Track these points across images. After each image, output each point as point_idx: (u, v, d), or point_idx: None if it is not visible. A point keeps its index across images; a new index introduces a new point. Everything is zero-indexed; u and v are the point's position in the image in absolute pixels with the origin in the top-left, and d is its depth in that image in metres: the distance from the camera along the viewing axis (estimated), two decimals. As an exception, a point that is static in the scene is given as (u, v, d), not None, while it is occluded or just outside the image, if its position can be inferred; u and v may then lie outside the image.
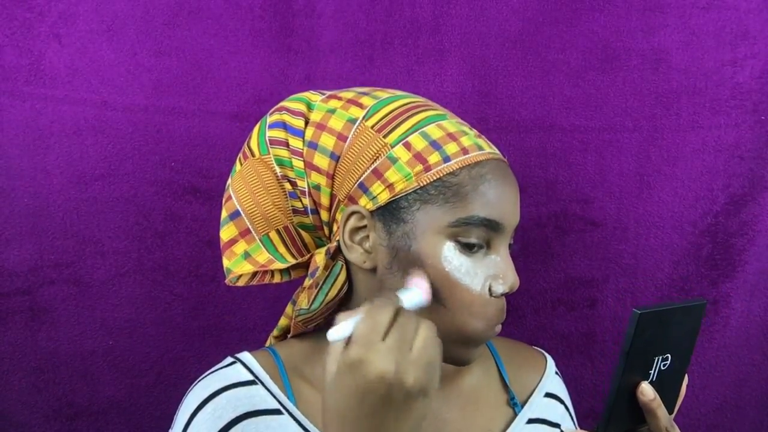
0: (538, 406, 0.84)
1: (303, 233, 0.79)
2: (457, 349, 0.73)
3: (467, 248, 0.71)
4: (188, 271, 1.12)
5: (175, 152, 1.10)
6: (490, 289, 0.73)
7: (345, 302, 0.78)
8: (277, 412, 0.74)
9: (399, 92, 0.79)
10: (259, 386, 0.75)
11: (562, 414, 0.86)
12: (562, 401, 0.87)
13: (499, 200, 0.73)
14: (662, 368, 0.69)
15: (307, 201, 0.76)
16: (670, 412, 0.70)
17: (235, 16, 1.09)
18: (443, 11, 1.11)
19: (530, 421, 0.82)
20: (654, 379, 0.68)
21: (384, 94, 0.78)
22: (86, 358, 1.10)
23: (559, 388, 0.88)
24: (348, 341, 0.59)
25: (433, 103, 0.80)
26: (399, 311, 0.61)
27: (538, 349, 0.92)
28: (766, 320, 1.17)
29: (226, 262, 0.78)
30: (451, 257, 0.71)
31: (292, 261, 0.78)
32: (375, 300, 0.61)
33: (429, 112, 0.76)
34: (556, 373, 0.90)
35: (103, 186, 1.09)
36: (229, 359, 0.79)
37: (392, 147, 0.72)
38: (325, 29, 1.11)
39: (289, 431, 0.73)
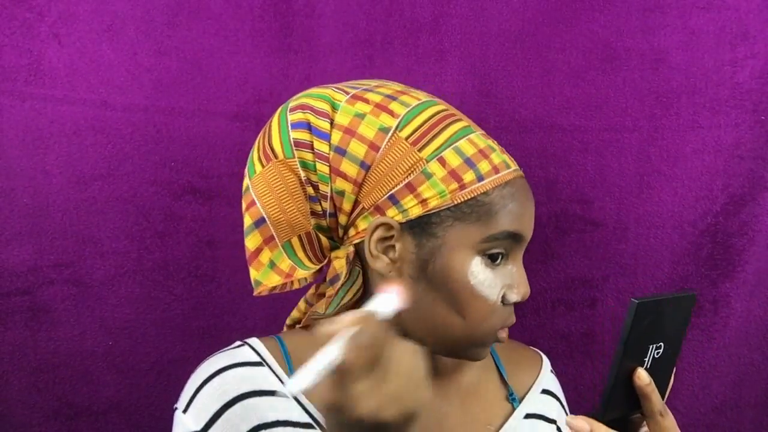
0: (535, 401, 0.87)
1: (321, 236, 0.79)
2: (467, 351, 0.77)
3: (492, 260, 0.74)
4: (188, 272, 1.12)
5: (174, 152, 1.10)
6: (503, 298, 0.75)
7: (359, 303, 0.79)
8: (281, 393, 0.76)
9: (423, 96, 0.79)
10: (265, 368, 0.77)
11: (557, 410, 0.89)
12: (557, 398, 0.90)
13: (523, 214, 0.76)
14: (656, 356, 0.72)
15: (327, 205, 0.76)
16: (663, 398, 0.73)
17: (235, 16, 1.09)
18: (443, 11, 1.11)
19: (528, 416, 0.85)
20: (648, 366, 0.71)
21: (410, 99, 0.77)
22: (86, 358, 1.10)
23: (555, 385, 0.91)
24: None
25: (456, 111, 0.81)
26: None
27: (534, 349, 0.95)
28: (766, 320, 1.17)
29: (254, 273, 0.79)
30: (478, 272, 0.73)
31: (312, 267, 0.79)
32: (341, 334, 0.56)
33: (459, 124, 0.77)
34: (552, 371, 0.93)
35: (103, 186, 1.09)
36: (238, 342, 0.81)
37: (427, 162, 0.74)
38: (324, 29, 1.11)
39: (292, 412, 0.74)
